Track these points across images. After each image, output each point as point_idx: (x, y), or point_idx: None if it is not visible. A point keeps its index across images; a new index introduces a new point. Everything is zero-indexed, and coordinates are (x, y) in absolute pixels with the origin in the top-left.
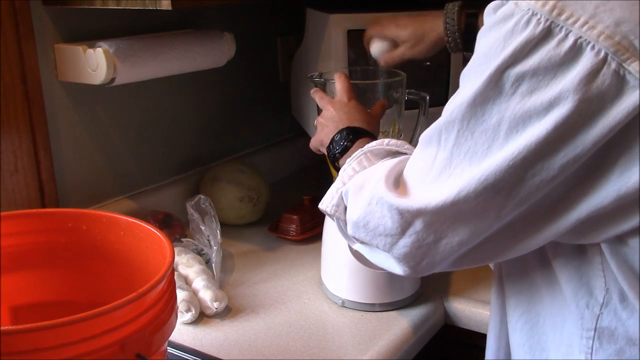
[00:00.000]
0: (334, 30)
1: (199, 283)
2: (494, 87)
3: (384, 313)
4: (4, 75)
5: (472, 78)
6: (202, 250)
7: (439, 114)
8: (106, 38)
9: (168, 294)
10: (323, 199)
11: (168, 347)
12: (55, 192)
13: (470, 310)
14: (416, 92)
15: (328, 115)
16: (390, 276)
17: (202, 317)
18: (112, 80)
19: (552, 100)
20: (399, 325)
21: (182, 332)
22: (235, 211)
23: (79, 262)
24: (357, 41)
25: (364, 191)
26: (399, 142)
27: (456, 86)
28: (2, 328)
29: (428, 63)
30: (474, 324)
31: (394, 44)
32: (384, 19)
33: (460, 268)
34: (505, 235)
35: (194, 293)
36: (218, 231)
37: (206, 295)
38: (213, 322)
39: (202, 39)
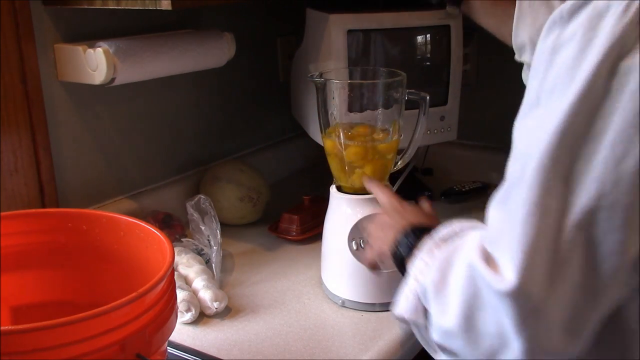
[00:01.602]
0: (334, 30)
1: (199, 283)
2: (606, 82)
3: (384, 313)
4: (4, 75)
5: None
6: (202, 250)
7: (439, 114)
8: (106, 38)
9: (168, 294)
10: (396, 302)
11: (168, 347)
12: (55, 192)
13: None
14: (416, 92)
15: (381, 224)
16: (390, 276)
17: (202, 317)
18: (112, 80)
19: None
20: (399, 325)
21: (182, 332)
22: (235, 211)
23: (79, 262)
24: (357, 41)
25: (449, 287)
26: (468, 223)
27: (456, 86)
28: (2, 328)
29: (428, 63)
30: None
31: None
32: None
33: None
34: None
35: (194, 293)
36: (218, 231)
37: (206, 295)
38: (213, 322)
39: (202, 39)
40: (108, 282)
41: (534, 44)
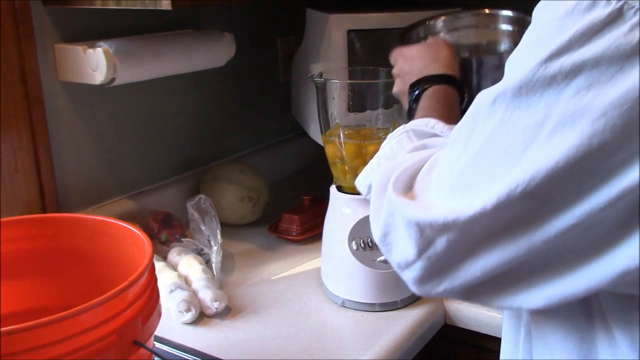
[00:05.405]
0: (334, 30)
1: (199, 283)
2: (544, 75)
3: (384, 313)
4: (4, 75)
5: (520, 63)
6: (202, 250)
7: None
8: (106, 38)
9: (150, 289)
10: (360, 174)
11: (168, 348)
12: (55, 192)
13: (470, 310)
14: None
15: (410, 58)
16: (390, 276)
17: (202, 317)
18: (112, 80)
19: (617, 97)
20: (399, 325)
21: (182, 332)
22: (235, 211)
23: (49, 269)
24: (357, 41)
25: (384, 196)
26: (445, 127)
27: None
28: (2, 329)
29: None
30: (474, 323)
31: None
32: None
33: (480, 301)
34: (541, 259)
35: (194, 293)
36: (218, 231)
37: (206, 295)
38: (213, 322)
39: (202, 39)
40: (83, 284)
41: None
